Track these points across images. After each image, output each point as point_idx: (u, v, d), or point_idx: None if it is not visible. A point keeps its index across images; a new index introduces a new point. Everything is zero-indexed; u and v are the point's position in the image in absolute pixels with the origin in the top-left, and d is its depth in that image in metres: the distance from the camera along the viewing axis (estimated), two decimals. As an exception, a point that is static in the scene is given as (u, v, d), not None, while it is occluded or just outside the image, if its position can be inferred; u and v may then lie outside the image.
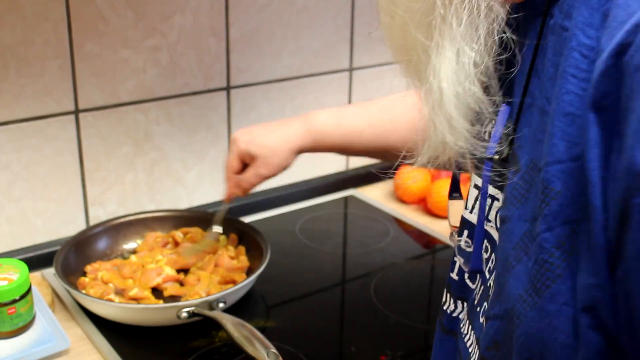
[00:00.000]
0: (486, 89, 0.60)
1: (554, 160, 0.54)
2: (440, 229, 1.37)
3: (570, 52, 0.53)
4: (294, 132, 1.06)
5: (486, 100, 0.60)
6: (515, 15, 0.60)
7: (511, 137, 0.60)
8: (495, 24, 0.57)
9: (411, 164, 0.67)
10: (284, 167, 1.08)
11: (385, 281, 1.20)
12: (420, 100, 0.62)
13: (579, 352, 0.52)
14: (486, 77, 0.60)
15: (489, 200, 0.66)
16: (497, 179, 0.62)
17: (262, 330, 1.00)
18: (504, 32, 0.58)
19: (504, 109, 0.61)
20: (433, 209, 1.43)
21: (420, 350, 1.04)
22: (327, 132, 1.05)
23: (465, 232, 0.72)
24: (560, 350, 0.54)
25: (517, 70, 0.60)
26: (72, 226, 1.27)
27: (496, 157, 0.61)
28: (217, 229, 1.18)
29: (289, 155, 1.06)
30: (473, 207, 0.71)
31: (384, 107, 1.06)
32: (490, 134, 0.62)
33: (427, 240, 1.36)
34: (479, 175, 0.66)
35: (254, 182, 1.09)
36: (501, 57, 0.59)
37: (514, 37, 0.58)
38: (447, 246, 1.32)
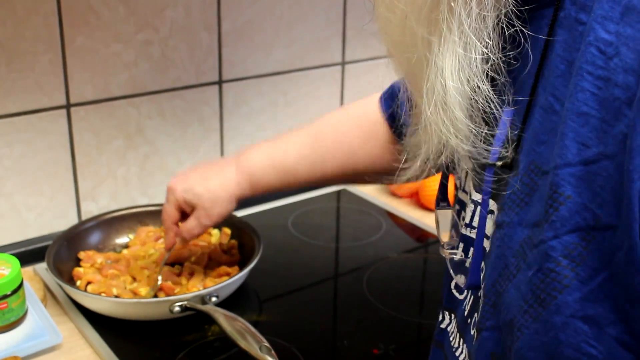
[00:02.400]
0: (495, 87, 0.56)
1: (565, 163, 0.50)
2: (433, 223, 1.37)
3: (587, 48, 0.50)
4: (231, 179, 1.02)
5: (496, 99, 0.56)
6: (524, 8, 0.55)
7: (515, 141, 0.56)
8: (503, 16, 0.54)
9: (392, 182, 0.64)
10: (225, 215, 1.05)
11: (378, 275, 1.21)
12: (420, 100, 0.58)
13: None
14: (496, 74, 0.55)
15: (472, 206, 0.64)
16: (494, 187, 0.58)
17: (255, 324, 1.00)
18: (513, 26, 0.54)
19: (507, 109, 0.57)
20: (425, 203, 1.43)
21: (412, 344, 1.05)
22: (262, 175, 1.02)
23: (461, 246, 0.68)
24: None
25: (524, 67, 0.56)
26: (64, 221, 1.27)
27: (499, 163, 0.57)
28: (159, 279, 1.11)
29: (229, 203, 1.03)
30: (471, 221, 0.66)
31: (312, 136, 1.01)
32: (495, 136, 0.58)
33: (419, 234, 1.36)
34: (480, 182, 0.61)
35: (196, 232, 1.06)
36: (511, 52, 0.56)
37: (525, 30, 0.54)
38: (439, 247, 1.32)
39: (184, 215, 1.07)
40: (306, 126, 1.03)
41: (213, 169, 1.05)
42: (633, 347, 0.49)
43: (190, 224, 1.05)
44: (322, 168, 1.00)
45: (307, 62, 1.48)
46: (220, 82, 1.38)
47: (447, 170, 0.69)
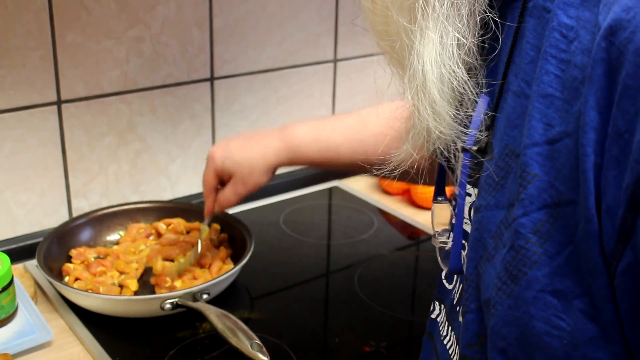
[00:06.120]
0: (470, 71, 0.59)
1: (532, 143, 0.53)
2: (424, 221, 1.38)
3: (552, 33, 0.53)
4: (271, 148, 1.04)
5: (470, 82, 0.58)
6: None
7: (488, 125, 0.59)
8: (477, 4, 0.56)
9: (389, 173, 0.66)
10: (261, 185, 1.06)
11: (370, 272, 1.21)
12: (404, 85, 0.60)
13: (562, 340, 0.52)
14: (470, 59, 0.58)
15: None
16: (472, 172, 0.60)
17: (246, 321, 1.00)
18: (486, 13, 0.57)
19: (483, 94, 0.59)
20: (417, 201, 1.44)
21: (404, 342, 1.05)
22: (304, 147, 1.04)
23: (452, 236, 0.69)
24: (537, 339, 0.53)
25: (497, 55, 0.59)
26: (55, 217, 1.26)
27: (474, 147, 0.59)
28: (199, 244, 1.15)
29: (266, 173, 1.05)
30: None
31: (361, 121, 1.04)
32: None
33: (411, 232, 1.37)
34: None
35: (232, 200, 1.07)
36: (484, 37, 0.58)
37: (496, 18, 0.57)
38: (431, 237, 1.32)
39: (223, 183, 1.09)
40: (355, 111, 1.05)
41: (254, 138, 1.06)
42: (597, 319, 0.50)
43: (227, 192, 1.07)
44: (364, 152, 1.01)
45: (299, 59, 1.48)
46: (212, 79, 1.37)
47: (446, 163, 0.70)
